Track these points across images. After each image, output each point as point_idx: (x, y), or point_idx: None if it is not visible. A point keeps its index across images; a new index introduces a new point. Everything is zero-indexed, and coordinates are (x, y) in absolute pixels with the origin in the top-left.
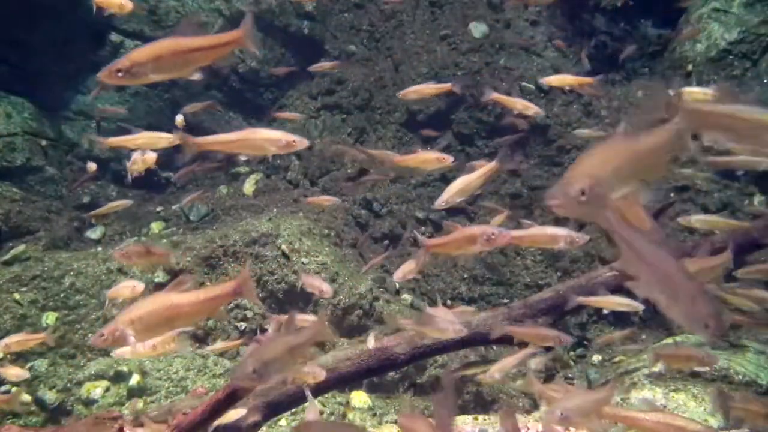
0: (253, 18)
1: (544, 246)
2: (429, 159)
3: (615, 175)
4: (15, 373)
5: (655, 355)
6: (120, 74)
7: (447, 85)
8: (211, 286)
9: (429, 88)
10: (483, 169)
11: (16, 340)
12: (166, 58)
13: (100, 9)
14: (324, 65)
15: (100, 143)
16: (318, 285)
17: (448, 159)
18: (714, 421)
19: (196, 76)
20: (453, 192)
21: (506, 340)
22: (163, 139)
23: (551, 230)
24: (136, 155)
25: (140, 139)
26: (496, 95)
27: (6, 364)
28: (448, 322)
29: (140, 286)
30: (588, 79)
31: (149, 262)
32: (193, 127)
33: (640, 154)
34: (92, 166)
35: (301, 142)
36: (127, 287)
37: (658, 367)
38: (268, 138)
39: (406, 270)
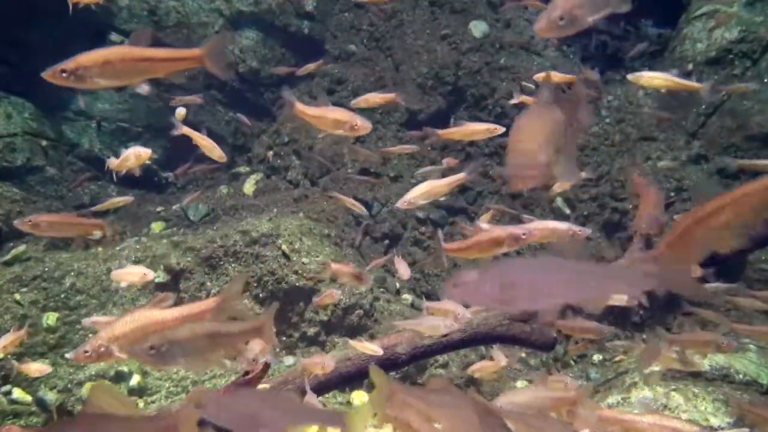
0: (224, 39)
1: (547, 240)
2: (478, 130)
3: (548, 145)
4: (36, 368)
5: (669, 342)
6: (64, 75)
7: (391, 95)
8: (194, 303)
9: (376, 98)
10: (451, 177)
11: (10, 340)
12: (114, 64)
13: (75, 5)
14: (309, 66)
15: (179, 129)
16: (357, 272)
17: (500, 129)
18: (715, 421)
19: (145, 89)
20: (417, 194)
21: (507, 339)
22: (216, 151)
23: (553, 224)
24: (128, 151)
25: (204, 141)
26: (524, 97)
27: (26, 361)
28: (439, 319)
29: (150, 274)
30: (572, 77)
31: (69, 233)
32: (193, 128)
33: (560, 126)
34: (111, 161)
35: (364, 127)
36: (135, 274)
37: (659, 367)
38: (337, 119)
39: (405, 267)
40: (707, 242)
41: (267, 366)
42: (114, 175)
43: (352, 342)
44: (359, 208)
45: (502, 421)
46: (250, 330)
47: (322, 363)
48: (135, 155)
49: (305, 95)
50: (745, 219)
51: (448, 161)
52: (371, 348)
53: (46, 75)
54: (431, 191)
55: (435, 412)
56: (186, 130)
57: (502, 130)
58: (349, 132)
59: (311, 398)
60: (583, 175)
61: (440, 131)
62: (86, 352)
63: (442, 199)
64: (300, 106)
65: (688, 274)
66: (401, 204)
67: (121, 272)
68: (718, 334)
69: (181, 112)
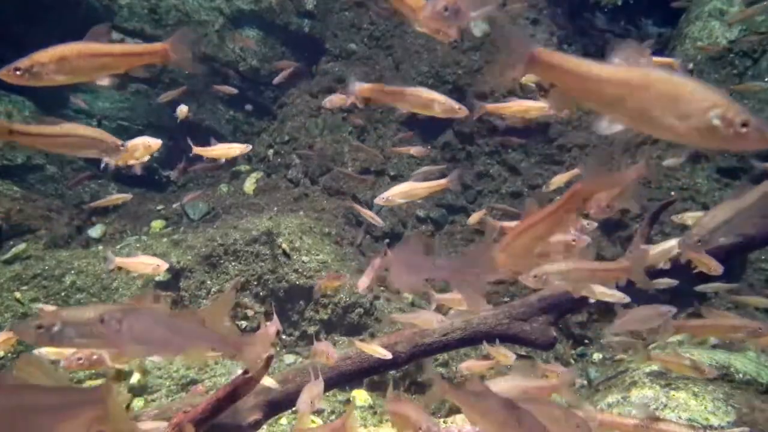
0: (186, 33)
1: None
2: (533, 107)
3: None
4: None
5: (694, 328)
6: (19, 73)
7: (345, 97)
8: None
9: (340, 98)
10: (432, 182)
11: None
12: (71, 60)
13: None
14: (283, 74)
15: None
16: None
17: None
18: (715, 420)
19: (105, 81)
20: (395, 193)
21: (507, 338)
22: (234, 150)
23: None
24: (137, 141)
25: (218, 152)
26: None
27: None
28: (432, 313)
29: (164, 265)
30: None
31: None
32: (194, 126)
33: None
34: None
35: (462, 110)
36: (148, 264)
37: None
38: (434, 98)
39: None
40: (529, 250)
41: (269, 360)
42: (106, 167)
43: (359, 344)
44: (378, 222)
45: (541, 424)
46: (183, 321)
47: (327, 352)
48: (144, 145)
49: (305, 94)
50: (551, 232)
51: (417, 150)
52: (380, 352)
53: (1, 74)
54: (409, 192)
55: (475, 416)
56: (199, 151)
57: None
58: (447, 113)
59: (319, 386)
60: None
61: (489, 105)
62: (79, 359)
63: (440, 197)
64: (367, 86)
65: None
66: (379, 200)
67: (131, 261)
68: (751, 319)
69: (183, 109)
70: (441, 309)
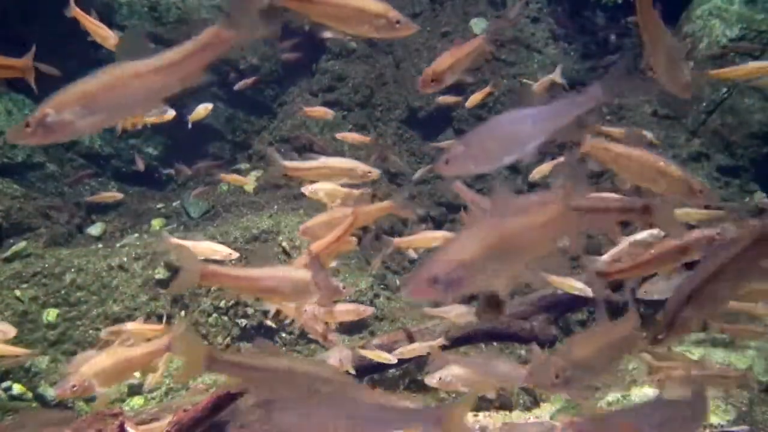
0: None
1: None
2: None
3: None
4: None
5: None
6: None
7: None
8: (151, 342)
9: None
10: (378, 205)
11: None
12: None
13: None
14: (247, 81)
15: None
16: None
17: None
18: (715, 419)
19: None
20: (318, 188)
21: (507, 337)
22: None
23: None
24: None
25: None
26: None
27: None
28: (466, 307)
29: (234, 254)
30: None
31: None
32: (193, 124)
33: None
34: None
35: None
36: (219, 252)
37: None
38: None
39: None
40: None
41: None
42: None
43: (364, 352)
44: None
45: None
46: None
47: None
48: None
49: (305, 92)
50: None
51: (358, 138)
52: (384, 356)
53: None
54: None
55: None
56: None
57: None
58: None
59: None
60: None
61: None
62: (74, 387)
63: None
64: None
65: None
66: (304, 190)
67: (194, 245)
68: None
69: (208, 107)
70: None
